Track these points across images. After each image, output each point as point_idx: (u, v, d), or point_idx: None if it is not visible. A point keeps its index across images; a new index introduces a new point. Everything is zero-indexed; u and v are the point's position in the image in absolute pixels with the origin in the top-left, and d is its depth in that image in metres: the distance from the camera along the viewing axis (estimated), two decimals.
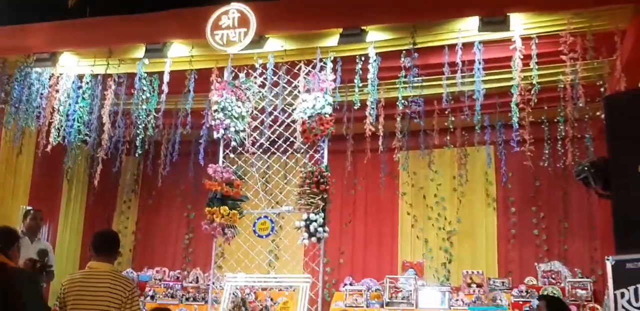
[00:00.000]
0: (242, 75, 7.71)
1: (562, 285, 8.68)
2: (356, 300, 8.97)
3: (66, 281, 4.31)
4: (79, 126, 7.75)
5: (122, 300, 4.18)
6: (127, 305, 4.20)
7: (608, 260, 4.35)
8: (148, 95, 7.67)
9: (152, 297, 9.46)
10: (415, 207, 10.30)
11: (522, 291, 8.68)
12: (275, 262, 8.54)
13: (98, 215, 10.99)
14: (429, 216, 10.18)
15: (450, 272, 9.81)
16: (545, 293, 8.35)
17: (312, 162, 7.52)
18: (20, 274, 4.03)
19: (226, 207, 7.33)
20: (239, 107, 7.61)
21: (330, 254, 9.94)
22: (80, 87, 7.75)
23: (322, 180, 7.23)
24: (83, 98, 7.69)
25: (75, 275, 4.36)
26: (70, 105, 7.62)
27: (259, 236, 7.57)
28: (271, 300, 8.62)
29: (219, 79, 7.63)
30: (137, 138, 7.96)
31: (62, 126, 7.69)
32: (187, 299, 9.35)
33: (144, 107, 7.76)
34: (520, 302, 8.39)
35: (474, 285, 9.00)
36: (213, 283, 8.03)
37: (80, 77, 7.84)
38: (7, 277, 2.94)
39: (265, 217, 7.61)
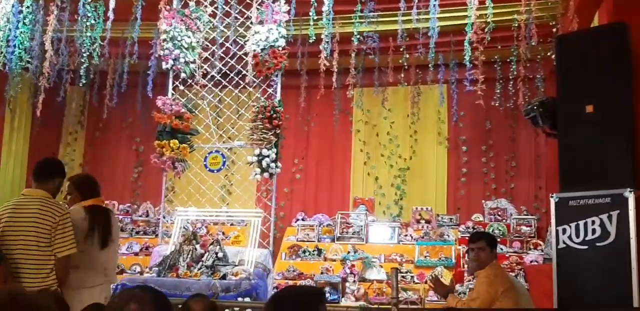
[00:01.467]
0: (192, 3, 7.51)
1: (508, 221, 9.15)
2: (307, 234, 9.24)
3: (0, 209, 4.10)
4: (20, 52, 7.47)
5: (52, 226, 3.96)
6: (58, 231, 3.97)
7: (552, 197, 4.57)
8: (93, 21, 7.41)
9: None
10: (368, 145, 10.51)
11: (468, 228, 9.11)
12: (228, 197, 8.63)
13: (43, 146, 10.78)
14: (382, 153, 10.41)
15: (401, 209, 10.17)
16: (491, 229, 8.79)
17: (265, 96, 7.51)
18: None
19: (176, 141, 7.33)
20: (189, 37, 7.45)
21: (282, 190, 10.15)
22: (20, 12, 7.41)
23: (275, 115, 7.27)
24: (24, 23, 7.37)
25: (9, 203, 4.15)
26: (10, 30, 7.29)
27: (211, 170, 7.63)
28: (223, 234, 8.79)
29: (168, 7, 7.41)
30: (82, 68, 7.75)
31: (1, 52, 7.40)
32: (137, 232, 9.46)
33: (88, 34, 7.51)
34: (467, 238, 8.77)
35: (423, 221, 9.39)
36: (164, 217, 8.12)
37: (21, 1, 7.48)
38: None
39: (217, 151, 7.64)
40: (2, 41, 7.31)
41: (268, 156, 7.22)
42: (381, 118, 10.39)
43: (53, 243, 3.98)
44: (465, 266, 7.71)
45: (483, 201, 9.57)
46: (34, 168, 4.33)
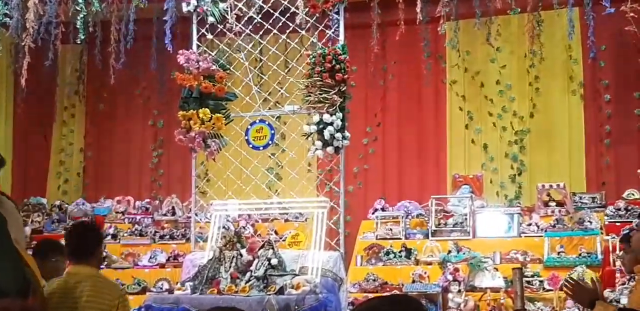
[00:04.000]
0: None
1: None
2: (391, 230, 9.35)
3: (46, 293, 4.53)
4: None
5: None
6: None
7: None
8: None
9: (114, 236, 9.86)
10: (471, 100, 10.47)
11: (619, 210, 9.01)
12: (279, 183, 8.75)
13: (32, 127, 11.17)
14: (490, 112, 10.37)
15: (520, 188, 10.14)
16: None
17: (323, 41, 7.56)
18: None
19: (207, 110, 7.40)
20: None
21: (352, 170, 10.26)
22: None
23: (338, 66, 7.25)
24: None
25: (52, 284, 4.61)
26: None
27: (255, 148, 7.65)
28: (276, 233, 8.98)
29: None
30: (77, 18, 7.99)
31: None
32: (161, 237, 9.77)
33: None
34: (617, 224, 8.74)
35: (553, 204, 9.34)
36: (196, 215, 8.28)
37: None
38: None
39: (262, 121, 7.66)
40: None
41: (331, 123, 7.21)
42: (487, 61, 10.32)
43: None
44: (618, 262, 7.67)
45: (639, 171, 9.39)
46: (67, 241, 4.75)
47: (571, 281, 4.43)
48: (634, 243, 4.48)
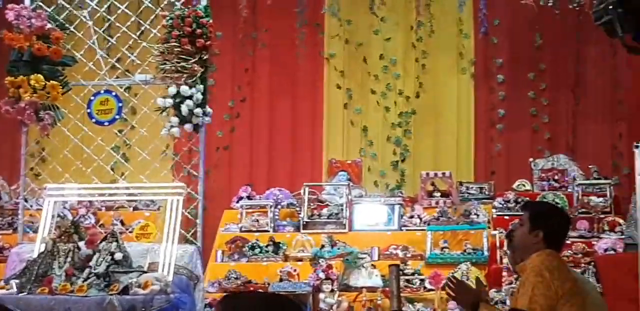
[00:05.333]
0: None
1: (570, 190, 9.29)
2: (257, 221, 9.32)
3: None
4: None
5: None
6: None
7: (637, 147, 4.60)
8: None
9: None
10: (350, 76, 10.51)
11: (508, 202, 9.22)
12: (127, 165, 8.58)
13: None
14: (372, 89, 10.43)
15: (403, 176, 10.25)
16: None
17: (183, 0, 7.43)
18: None
19: (40, 76, 7.18)
20: None
21: (214, 151, 10.13)
22: None
23: (199, 31, 7.17)
24: None
25: None
26: None
27: (98, 123, 7.49)
28: (122, 223, 8.77)
29: None
30: None
31: None
32: None
33: None
34: (506, 217, 8.96)
35: (438, 194, 9.48)
36: (26, 201, 8.03)
37: None
38: None
39: (108, 92, 7.51)
40: None
41: (190, 97, 7.14)
42: (370, 32, 10.36)
43: None
44: (505, 260, 7.85)
45: (531, 159, 9.69)
46: None
47: (454, 280, 4.46)
48: (516, 240, 4.53)
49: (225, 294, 2.66)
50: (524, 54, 10.14)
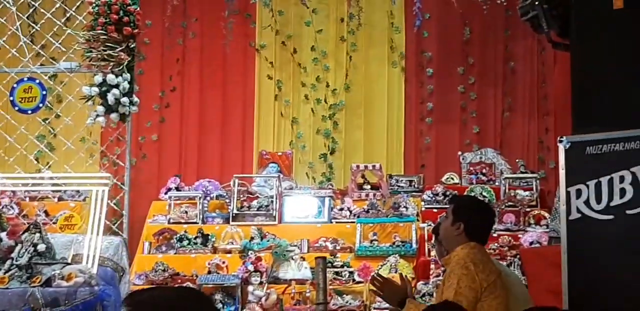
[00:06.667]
0: None
1: (497, 183, 9.40)
2: (186, 212, 9.24)
3: None
4: None
5: None
6: None
7: (561, 142, 4.63)
8: None
9: None
10: (282, 68, 10.46)
11: (437, 195, 9.30)
12: (51, 154, 8.47)
13: None
14: (302, 81, 10.41)
15: (332, 168, 10.26)
16: (472, 195, 9.00)
17: None
18: None
19: None
20: None
21: (142, 141, 10.01)
22: None
23: (127, 18, 7.11)
24: None
25: None
26: None
27: (22, 111, 7.40)
28: (46, 214, 8.62)
29: None
30: None
31: None
32: None
33: None
34: (435, 210, 9.02)
35: (368, 187, 9.51)
36: None
37: None
38: None
39: (32, 79, 7.42)
40: None
41: (117, 86, 7.09)
42: (301, 24, 10.33)
43: None
44: (433, 252, 7.90)
45: (459, 153, 9.77)
46: None
47: (379, 278, 4.47)
48: (441, 232, 4.57)
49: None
50: (454, 48, 10.22)
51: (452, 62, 10.19)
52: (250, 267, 8.24)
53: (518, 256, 8.08)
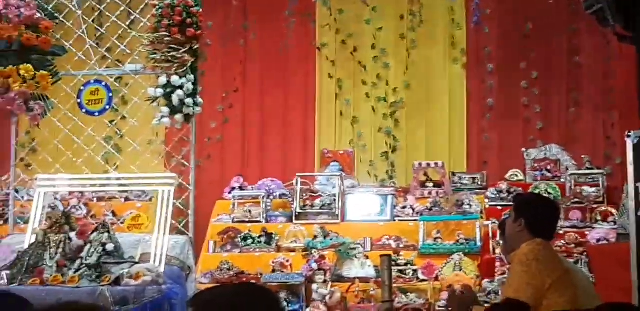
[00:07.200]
0: None
1: (562, 180, 9.30)
2: (250, 211, 9.28)
3: None
4: None
5: None
6: None
7: (629, 136, 4.60)
8: None
9: None
10: (341, 66, 10.47)
11: (501, 192, 9.22)
12: (118, 155, 8.59)
13: None
14: (363, 80, 10.41)
15: (394, 166, 10.24)
16: (536, 192, 8.92)
17: None
18: None
19: (29, 66, 7.17)
20: None
21: (205, 141, 10.10)
22: None
23: (189, 20, 7.20)
24: None
25: None
26: None
27: (89, 113, 7.50)
28: (113, 214, 8.74)
29: None
30: None
31: None
32: None
33: None
34: (499, 207, 8.95)
35: (431, 185, 9.48)
36: (16, 191, 8.08)
37: None
38: None
39: (98, 81, 7.52)
40: None
41: (181, 87, 7.17)
42: (361, 22, 10.32)
43: None
44: (498, 250, 7.86)
45: (523, 149, 9.68)
46: None
47: (451, 296, 4.52)
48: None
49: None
50: (515, 43, 10.12)
51: (514, 58, 10.10)
52: (314, 266, 8.27)
53: (585, 253, 8.01)
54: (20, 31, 7.21)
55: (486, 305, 4.85)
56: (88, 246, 6.77)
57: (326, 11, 10.28)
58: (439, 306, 7.88)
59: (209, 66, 9.81)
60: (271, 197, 9.52)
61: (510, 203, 8.82)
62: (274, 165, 10.33)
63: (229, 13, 9.91)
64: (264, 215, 9.26)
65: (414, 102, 10.31)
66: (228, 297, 2.54)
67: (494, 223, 8.35)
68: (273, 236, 8.93)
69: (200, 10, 7.29)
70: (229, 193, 9.65)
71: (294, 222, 9.14)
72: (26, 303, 2.51)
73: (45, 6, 7.50)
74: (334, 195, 9.30)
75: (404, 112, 10.31)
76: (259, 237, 8.92)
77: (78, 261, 6.70)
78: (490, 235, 8.38)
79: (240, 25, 10.35)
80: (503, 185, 9.27)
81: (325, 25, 10.40)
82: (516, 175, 9.57)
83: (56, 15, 7.59)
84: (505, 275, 7.70)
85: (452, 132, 10.22)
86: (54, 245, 6.79)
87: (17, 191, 8.07)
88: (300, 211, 9.25)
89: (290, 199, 9.41)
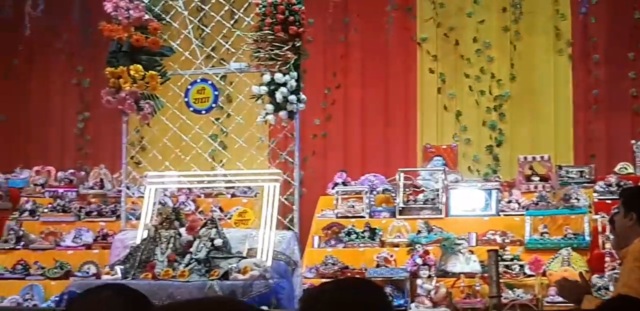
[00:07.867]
0: None
1: None
2: (353, 207, 9.33)
3: None
4: None
5: None
6: None
7: None
8: None
9: (33, 212, 9.72)
10: (444, 60, 10.43)
11: (610, 185, 9.05)
12: (224, 152, 8.70)
13: None
14: (466, 73, 10.34)
15: (499, 160, 10.16)
16: None
17: None
18: None
19: (139, 66, 7.36)
20: None
21: (309, 137, 10.20)
22: None
23: (292, 18, 7.24)
24: None
25: None
26: None
27: (196, 111, 7.64)
28: (220, 210, 8.86)
29: None
30: None
31: None
32: (87, 213, 9.64)
33: None
34: (608, 201, 8.79)
35: (537, 179, 9.37)
36: (128, 188, 8.26)
37: None
38: None
39: (204, 80, 7.63)
40: None
41: (285, 84, 7.22)
42: (463, 15, 10.27)
43: None
44: (607, 245, 7.73)
45: (633, 141, 9.46)
46: None
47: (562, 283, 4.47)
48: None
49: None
50: (623, 33, 9.91)
51: (622, 47, 9.88)
52: (419, 260, 8.27)
53: None
54: (129, 33, 7.40)
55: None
56: (197, 241, 6.92)
57: (428, 5, 10.26)
58: (547, 302, 7.80)
59: (311, 63, 9.85)
60: (374, 192, 9.55)
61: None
62: (376, 160, 10.36)
63: (329, 8, 9.93)
64: (367, 210, 9.29)
65: (518, 94, 10.19)
66: (328, 292, 2.58)
67: (603, 217, 8.22)
68: (377, 231, 8.97)
69: (302, 7, 7.32)
70: (333, 188, 9.71)
71: (398, 216, 9.16)
72: (146, 300, 2.58)
73: (153, 7, 7.65)
74: (437, 190, 9.27)
75: (508, 105, 10.21)
76: (363, 232, 8.96)
77: (188, 256, 6.87)
78: (600, 229, 8.24)
79: (340, 20, 10.39)
80: (612, 179, 9.09)
81: (428, 19, 10.36)
82: (626, 168, 9.37)
83: (163, 16, 7.74)
84: (616, 270, 7.58)
85: (558, 124, 10.07)
86: (165, 240, 6.98)
87: (128, 188, 8.26)
88: (404, 206, 9.25)
89: (394, 194, 9.42)
